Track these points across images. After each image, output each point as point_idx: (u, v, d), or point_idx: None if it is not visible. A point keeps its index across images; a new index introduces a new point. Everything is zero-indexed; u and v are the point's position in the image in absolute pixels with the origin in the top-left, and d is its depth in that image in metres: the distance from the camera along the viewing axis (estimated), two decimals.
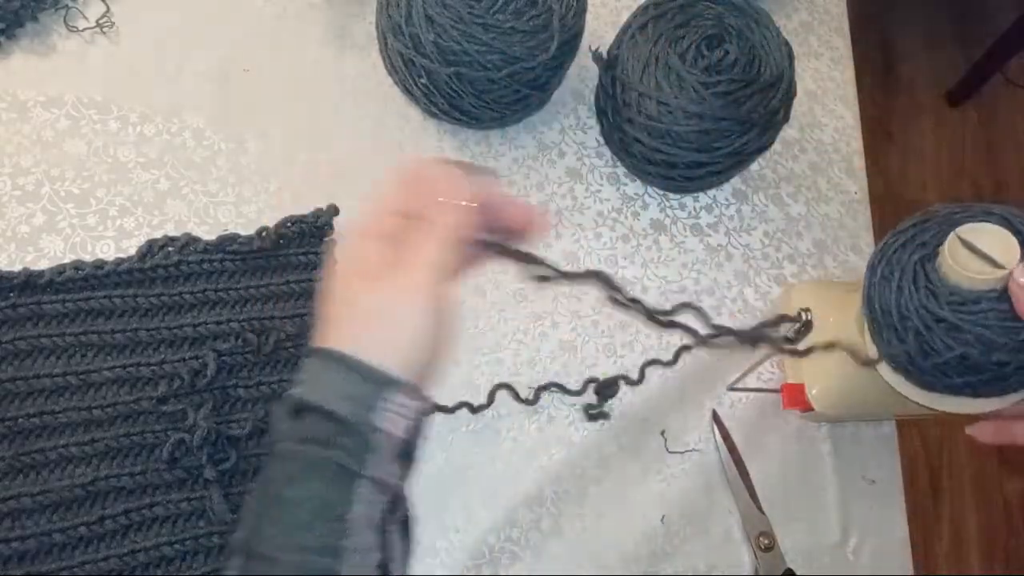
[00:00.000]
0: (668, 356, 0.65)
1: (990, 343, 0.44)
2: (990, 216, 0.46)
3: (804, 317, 0.56)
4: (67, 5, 0.65)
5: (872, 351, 0.52)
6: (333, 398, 0.37)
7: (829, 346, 0.52)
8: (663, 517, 0.61)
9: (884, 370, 0.52)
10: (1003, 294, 0.44)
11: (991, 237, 0.44)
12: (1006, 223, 0.45)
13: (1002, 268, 0.43)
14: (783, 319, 0.57)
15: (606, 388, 0.62)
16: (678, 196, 0.72)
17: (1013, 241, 0.44)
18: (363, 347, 0.37)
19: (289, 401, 0.37)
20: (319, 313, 0.40)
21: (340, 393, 0.37)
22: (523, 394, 0.61)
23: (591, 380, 0.62)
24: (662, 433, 0.64)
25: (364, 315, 0.38)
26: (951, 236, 0.45)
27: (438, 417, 0.60)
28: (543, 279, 0.46)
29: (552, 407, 0.62)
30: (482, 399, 0.61)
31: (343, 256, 0.41)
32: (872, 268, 0.51)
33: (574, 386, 0.62)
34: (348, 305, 0.39)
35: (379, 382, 0.37)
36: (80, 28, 0.65)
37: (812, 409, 0.61)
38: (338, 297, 0.39)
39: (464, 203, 0.40)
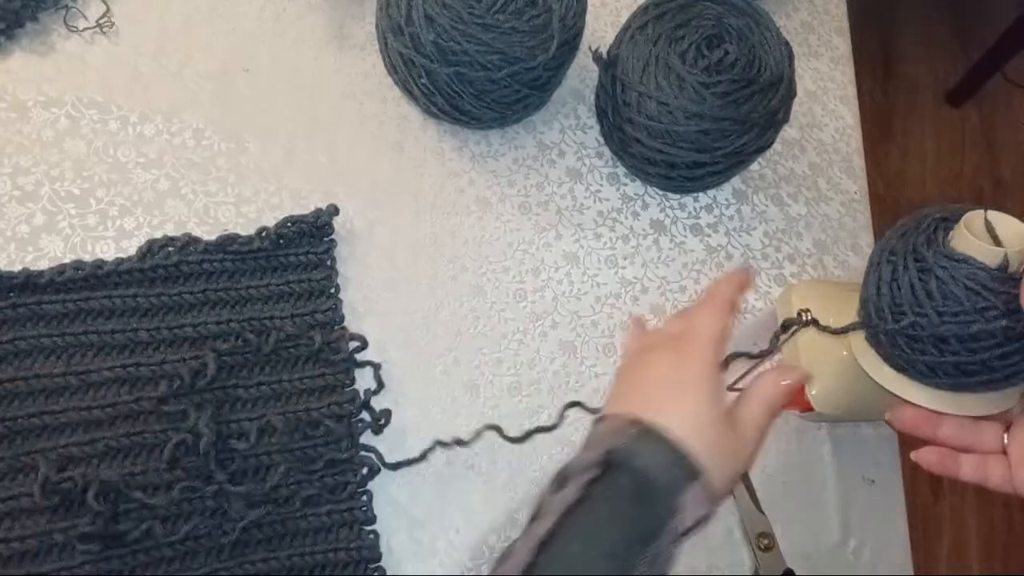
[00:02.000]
0: None
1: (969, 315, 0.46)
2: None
3: (804, 318, 0.57)
4: (67, 5, 0.65)
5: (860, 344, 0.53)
6: (657, 468, 0.40)
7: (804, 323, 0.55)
8: None
9: (857, 346, 0.53)
10: (996, 276, 0.46)
11: (1008, 227, 0.47)
12: None
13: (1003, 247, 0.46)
14: (789, 324, 0.57)
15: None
16: (678, 196, 0.72)
17: (1021, 226, 0.47)
18: (699, 457, 0.41)
19: (609, 454, 0.41)
20: (638, 382, 0.45)
21: (663, 466, 0.40)
22: (512, 433, 0.60)
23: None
24: None
25: (710, 441, 0.42)
26: (974, 212, 0.48)
27: (438, 417, 0.60)
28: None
29: (552, 407, 0.62)
30: (482, 400, 0.61)
31: (704, 366, 0.44)
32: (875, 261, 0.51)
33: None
34: (700, 421, 0.42)
35: (693, 475, 0.40)
36: (80, 28, 0.65)
37: (812, 409, 0.61)
38: (692, 406, 0.43)
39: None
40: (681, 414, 0.42)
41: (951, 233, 0.48)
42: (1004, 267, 0.45)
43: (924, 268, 0.48)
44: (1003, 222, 0.47)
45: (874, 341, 0.53)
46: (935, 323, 0.47)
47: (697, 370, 0.44)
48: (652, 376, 0.45)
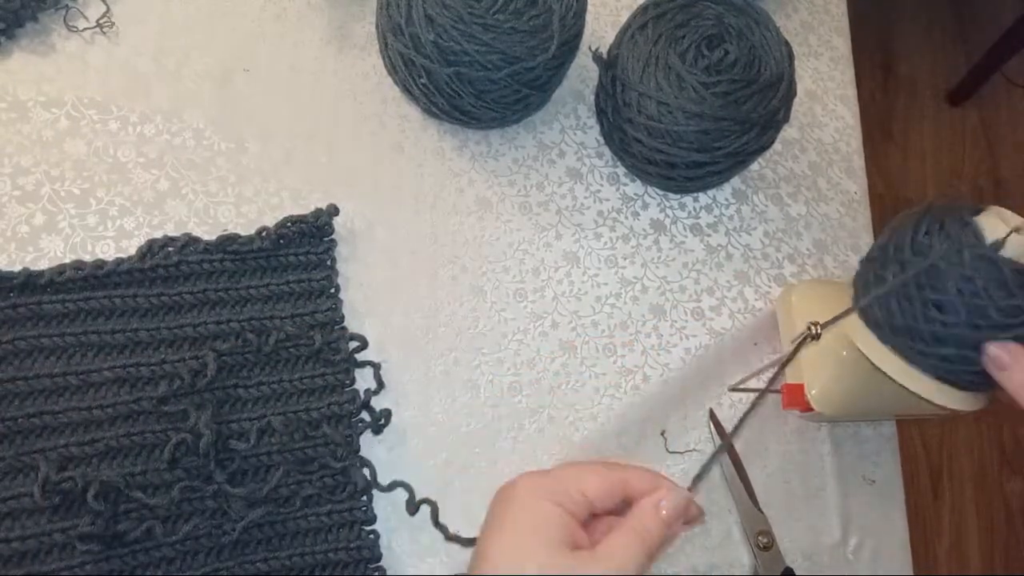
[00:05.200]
0: (668, 356, 0.65)
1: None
2: None
3: (814, 331, 0.56)
4: (67, 5, 0.65)
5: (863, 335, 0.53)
6: None
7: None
8: None
9: (861, 334, 0.53)
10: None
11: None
12: None
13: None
14: (801, 341, 0.57)
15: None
16: (678, 196, 0.72)
17: None
18: None
19: None
20: (481, 538, 0.40)
21: None
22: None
23: None
24: (662, 433, 0.64)
25: None
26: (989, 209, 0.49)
27: (438, 417, 0.60)
28: None
29: (552, 407, 0.62)
30: (482, 399, 0.61)
31: (523, 504, 0.40)
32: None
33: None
34: (526, 562, 0.38)
35: None
36: (80, 28, 0.65)
37: (812, 409, 0.61)
38: (514, 546, 0.39)
39: (674, 502, 0.40)
40: (505, 557, 0.38)
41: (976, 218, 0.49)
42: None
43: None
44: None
45: (875, 321, 0.53)
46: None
47: (522, 496, 0.40)
48: (489, 512, 0.41)
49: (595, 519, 0.42)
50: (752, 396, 0.66)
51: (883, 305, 0.51)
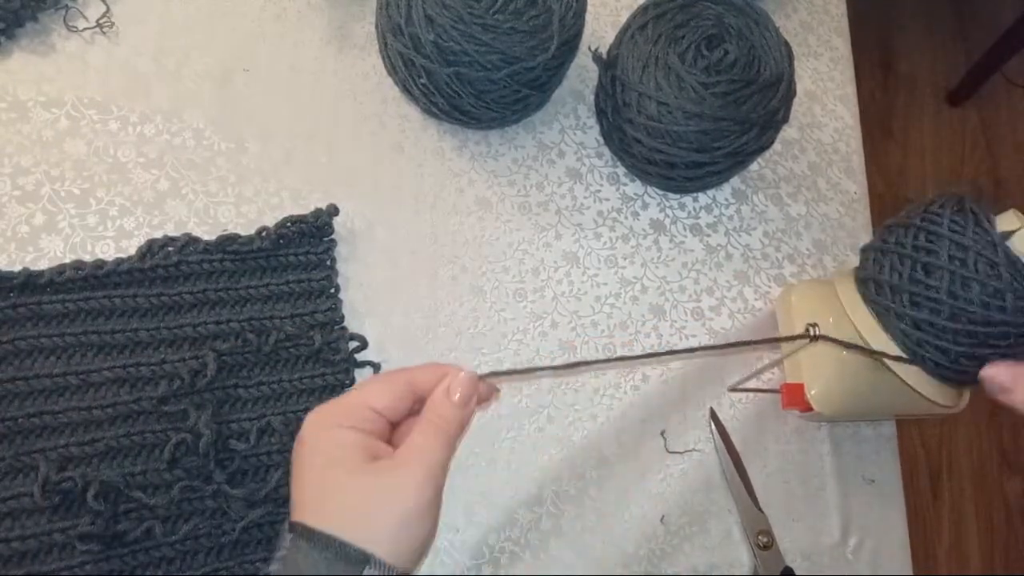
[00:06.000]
0: (669, 357, 0.65)
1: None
2: None
3: (812, 332, 0.56)
4: (67, 5, 0.65)
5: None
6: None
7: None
8: (663, 517, 0.61)
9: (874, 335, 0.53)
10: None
11: None
12: None
13: None
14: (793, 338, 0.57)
15: None
16: (678, 196, 0.72)
17: None
18: (349, 532, 0.37)
19: None
20: (293, 490, 0.40)
21: (318, 573, 0.36)
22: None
23: None
24: (662, 433, 0.64)
25: (354, 503, 0.38)
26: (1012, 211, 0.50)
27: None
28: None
29: (552, 407, 0.62)
30: None
31: (312, 442, 0.40)
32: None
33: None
34: (331, 492, 0.38)
35: (359, 561, 0.36)
36: (80, 28, 0.65)
37: (811, 409, 0.61)
38: (318, 482, 0.39)
39: (467, 383, 0.41)
40: (311, 495, 0.38)
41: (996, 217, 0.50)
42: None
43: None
44: None
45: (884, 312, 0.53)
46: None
47: (310, 435, 0.40)
48: (295, 473, 0.41)
49: (400, 426, 0.42)
50: (753, 390, 0.66)
51: (876, 261, 0.51)
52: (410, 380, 0.42)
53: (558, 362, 0.64)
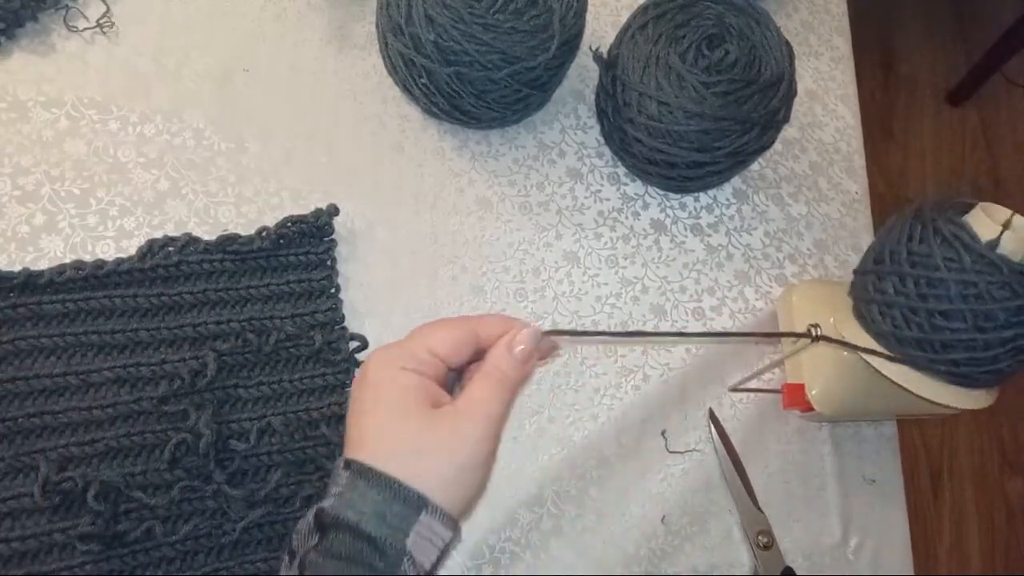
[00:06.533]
0: (669, 356, 0.65)
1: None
2: None
3: (814, 333, 0.56)
4: (67, 5, 0.65)
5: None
6: (368, 516, 0.37)
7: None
8: (663, 517, 0.61)
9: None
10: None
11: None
12: None
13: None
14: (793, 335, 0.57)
15: None
16: (678, 196, 0.72)
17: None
18: (408, 476, 0.37)
19: (322, 514, 0.37)
20: (348, 427, 0.40)
21: (375, 511, 0.37)
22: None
23: None
24: (662, 433, 0.64)
25: (414, 447, 0.38)
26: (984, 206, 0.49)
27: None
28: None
29: (553, 407, 0.62)
30: None
31: (376, 383, 0.41)
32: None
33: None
34: (392, 434, 0.39)
35: (416, 505, 0.37)
36: (80, 28, 0.65)
37: (812, 409, 0.61)
38: (380, 423, 0.39)
39: (531, 336, 0.42)
40: (373, 435, 0.39)
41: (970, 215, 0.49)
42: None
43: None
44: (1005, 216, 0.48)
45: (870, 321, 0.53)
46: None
47: (374, 375, 0.40)
48: (352, 400, 0.42)
49: (462, 372, 0.43)
50: (754, 390, 0.66)
51: (888, 318, 0.51)
52: (473, 328, 0.42)
53: (557, 362, 0.64)
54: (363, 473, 0.38)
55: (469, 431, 0.39)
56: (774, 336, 0.65)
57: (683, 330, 0.66)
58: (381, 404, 0.40)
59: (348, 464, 0.38)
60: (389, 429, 0.39)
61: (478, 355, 0.43)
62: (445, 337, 0.41)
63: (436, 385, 0.41)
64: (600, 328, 0.65)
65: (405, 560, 0.37)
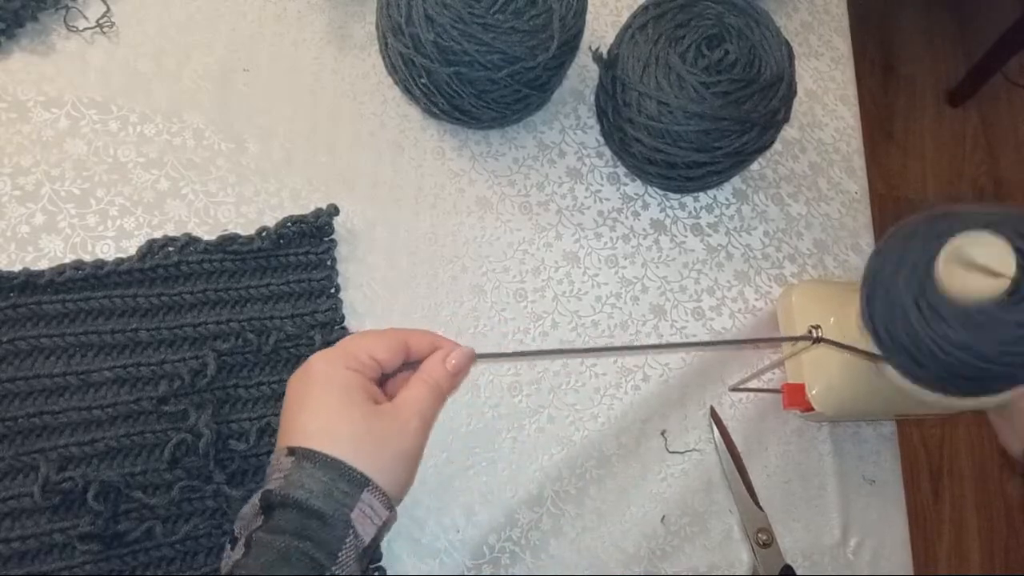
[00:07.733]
0: (669, 356, 0.65)
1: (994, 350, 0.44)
2: (971, 221, 0.46)
3: (815, 334, 0.56)
4: (67, 5, 0.65)
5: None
6: (316, 493, 0.40)
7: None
8: (663, 517, 0.61)
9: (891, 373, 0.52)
10: (1007, 303, 0.44)
11: (982, 245, 0.44)
12: (992, 228, 0.45)
13: (1001, 276, 0.43)
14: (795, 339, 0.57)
15: None
16: (678, 196, 0.72)
17: (1005, 246, 0.44)
18: (351, 459, 0.41)
19: (269, 495, 0.40)
20: (286, 421, 0.44)
21: (323, 490, 0.40)
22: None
23: None
24: (662, 433, 0.64)
25: (357, 435, 0.42)
26: (943, 255, 0.45)
27: (438, 417, 0.60)
28: None
29: (552, 407, 0.62)
30: (482, 399, 0.61)
31: (325, 379, 0.44)
32: (868, 297, 0.50)
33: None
34: (341, 425, 0.43)
35: (359, 483, 0.41)
36: (80, 28, 0.65)
37: (812, 409, 0.61)
38: (329, 415, 0.43)
39: (459, 356, 0.47)
40: (321, 426, 0.42)
41: (936, 276, 0.45)
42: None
43: (944, 337, 0.46)
44: (974, 245, 0.44)
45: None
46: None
47: (321, 372, 0.44)
48: (290, 397, 0.45)
49: (387, 379, 0.48)
50: (753, 390, 0.66)
51: (909, 359, 0.49)
52: (404, 340, 0.47)
53: (557, 362, 0.64)
54: (309, 456, 0.41)
55: (411, 425, 0.44)
56: (774, 340, 0.65)
57: (663, 341, 0.67)
58: (327, 396, 0.43)
59: (292, 451, 0.42)
60: (335, 418, 0.43)
61: (405, 366, 0.48)
62: (386, 347, 0.46)
63: (374, 385, 0.46)
64: (600, 328, 0.66)
65: (350, 532, 0.40)
